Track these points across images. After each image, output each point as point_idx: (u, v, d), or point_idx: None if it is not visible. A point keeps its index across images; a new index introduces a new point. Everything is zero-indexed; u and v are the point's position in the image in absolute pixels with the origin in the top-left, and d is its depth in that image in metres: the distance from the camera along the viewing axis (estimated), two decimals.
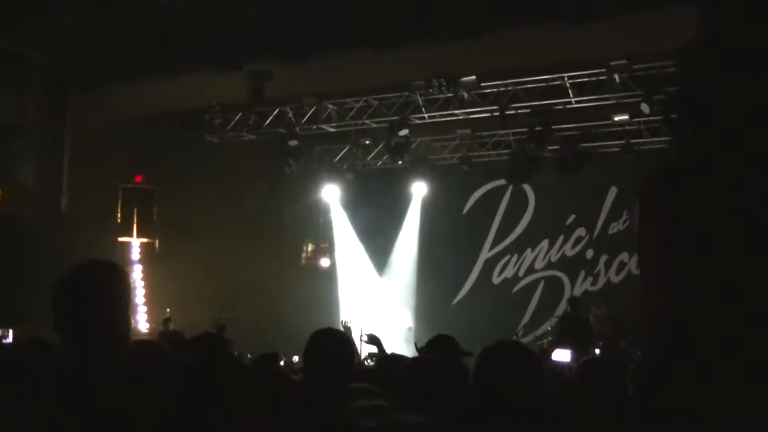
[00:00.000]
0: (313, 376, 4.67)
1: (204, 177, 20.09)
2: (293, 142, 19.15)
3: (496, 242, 21.02)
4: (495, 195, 20.97)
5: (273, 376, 6.09)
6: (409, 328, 20.55)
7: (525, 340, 17.24)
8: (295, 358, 14.85)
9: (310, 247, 23.37)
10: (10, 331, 15.20)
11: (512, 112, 17.18)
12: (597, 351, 15.88)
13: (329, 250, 22.64)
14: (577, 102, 16.72)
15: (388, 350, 8.06)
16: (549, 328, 17.68)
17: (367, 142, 20.31)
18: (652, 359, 4.23)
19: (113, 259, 3.43)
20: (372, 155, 20.84)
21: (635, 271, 18.95)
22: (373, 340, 7.79)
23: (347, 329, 12.11)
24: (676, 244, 2.35)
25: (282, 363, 12.15)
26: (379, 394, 4.27)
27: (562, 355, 10.35)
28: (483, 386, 3.75)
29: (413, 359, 5.68)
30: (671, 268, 2.35)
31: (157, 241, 20.51)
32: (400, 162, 19.68)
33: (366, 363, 11.65)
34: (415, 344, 7.17)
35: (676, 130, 14.20)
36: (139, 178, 20.38)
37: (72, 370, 3.24)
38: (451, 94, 17.12)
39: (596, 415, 5.37)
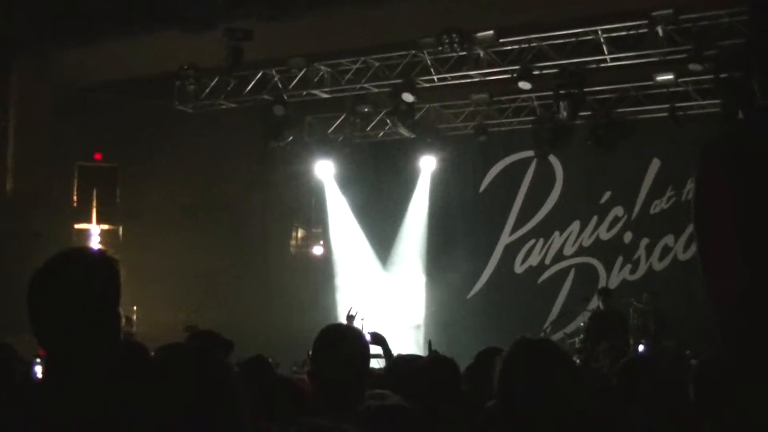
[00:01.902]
0: (323, 384, 4.64)
1: (175, 153, 20.20)
2: (280, 111, 19.15)
3: (518, 225, 21.07)
4: (517, 169, 20.99)
5: (271, 384, 6.15)
6: (418, 326, 20.55)
7: (553, 338, 17.29)
8: (294, 368, 14.95)
9: (300, 233, 23.46)
10: None
11: (537, 72, 17.18)
12: (641, 348, 16.02)
13: (323, 236, 22.70)
14: (613, 60, 16.71)
15: (395, 351, 8.10)
16: (582, 324, 17.72)
17: (367, 110, 20.28)
18: (719, 359, 4.30)
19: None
20: (372, 125, 20.92)
21: (682, 257, 19.05)
22: (377, 339, 7.81)
23: (351, 319, 12.12)
24: (750, 221, 2.28)
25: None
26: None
27: None
28: (508, 396, 3.71)
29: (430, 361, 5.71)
30: (742, 251, 2.28)
31: (120, 229, 20.60)
32: (405, 132, 19.70)
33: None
34: (429, 342, 7.25)
35: (735, 90, 14.24)
36: (98, 156, 20.43)
37: (52, 378, 3.26)
38: (464, 53, 17.11)
39: (646, 425, 5.39)
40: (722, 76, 15.34)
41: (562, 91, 17.52)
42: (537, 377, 3.64)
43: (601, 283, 19.37)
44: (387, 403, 3.49)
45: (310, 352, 4.63)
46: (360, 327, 13.13)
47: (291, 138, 20.63)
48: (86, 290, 3.20)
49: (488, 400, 4.70)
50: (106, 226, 20.38)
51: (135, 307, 17.82)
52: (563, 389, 3.63)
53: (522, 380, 3.65)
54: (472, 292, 21.22)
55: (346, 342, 4.74)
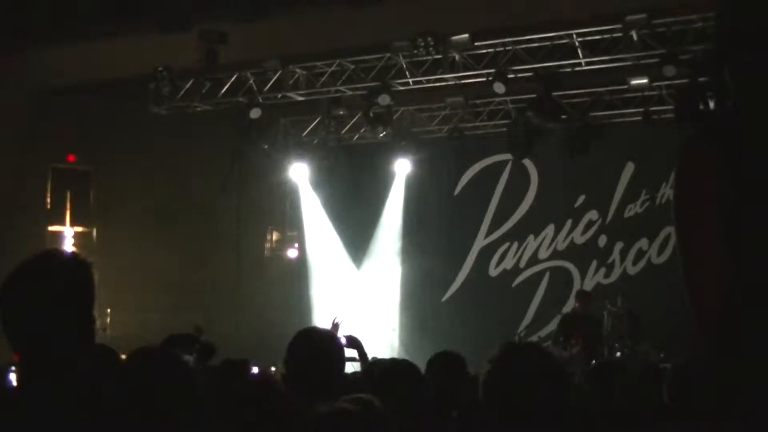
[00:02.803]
0: (296, 388, 4.67)
1: (149, 155, 20.20)
2: (255, 113, 19.11)
3: (492, 228, 21.05)
4: (491, 173, 21.00)
5: (247, 386, 6.15)
6: (393, 329, 20.55)
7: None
8: (272, 369, 14.95)
9: (274, 236, 23.40)
10: None
11: (512, 76, 17.23)
12: (618, 354, 16.09)
13: (297, 239, 22.65)
14: (587, 64, 16.78)
15: (370, 354, 8.23)
16: (556, 328, 17.75)
17: (342, 113, 20.35)
18: (700, 366, 4.32)
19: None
20: (347, 128, 20.90)
21: (656, 261, 19.16)
22: (352, 342, 7.85)
23: (336, 327, 12.13)
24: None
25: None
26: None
27: None
28: (494, 401, 3.69)
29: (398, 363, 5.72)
30: (730, 254, 2.23)
31: (94, 231, 20.55)
32: (380, 135, 19.70)
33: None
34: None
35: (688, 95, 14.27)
36: (71, 158, 20.35)
37: (27, 384, 3.26)
38: (439, 56, 17.14)
39: (617, 427, 5.42)
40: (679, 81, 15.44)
41: (537, 95, 17.64)
42: (527, 382, 3.62)
43: (576, 287, 19.40)
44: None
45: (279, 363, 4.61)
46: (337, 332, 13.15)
47: (266, 140, 20.64)
48: (60, 294, 3.20)
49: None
50: (80, 229, 20.32)
51: (109, 310, 17.81)
52: (553, 394, 3.62)
53: (511, 384, 3.64)
54: (447, 295, 21.18)
55: (320, 345, 4.80)
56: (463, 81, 17.89)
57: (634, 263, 19.56)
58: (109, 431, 3.10)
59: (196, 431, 3.11)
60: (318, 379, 4.63)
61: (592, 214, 20.05)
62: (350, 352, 8.91)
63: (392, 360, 6.82)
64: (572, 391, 3.78)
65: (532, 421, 3.54)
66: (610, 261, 19.83)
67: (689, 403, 4.29)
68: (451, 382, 6.28)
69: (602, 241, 19.98)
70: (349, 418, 3.21)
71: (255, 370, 14.41)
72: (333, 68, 18.44)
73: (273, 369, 14.49)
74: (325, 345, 4.83)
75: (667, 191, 18.95)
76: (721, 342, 2.30)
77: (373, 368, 6.77)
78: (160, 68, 18.61)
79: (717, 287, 2.31)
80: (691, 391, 4.29)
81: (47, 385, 3.15)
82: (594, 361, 13.90)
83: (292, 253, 22.75)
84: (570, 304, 17.87)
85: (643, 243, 19.40)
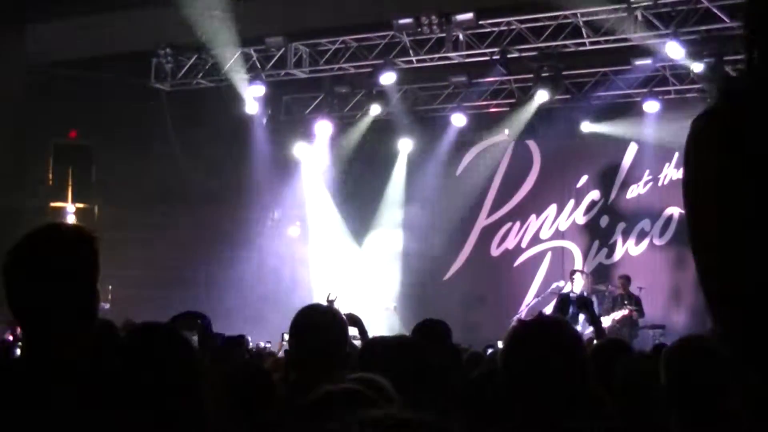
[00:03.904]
0: (301, 366, 4.66)
1: (151, 132, 20.09)
2: (258, 90, 19.12)
3: (495, 208, 21.10)
4: (494, 152, 21.00)
5: (245, 364, 6.17)
6: (394, 308, 20.53)
7: None
8: (263, 344, 14.99)
9: (276, 214, 23.31)
10: None
11: (515, 55, 17.21)
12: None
13: (299, 217, 22.61)
14: (591, 44, 16.75)
15: (370, 333, 8.04)
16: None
17: (345, 91, 20.29)
18: (704, 340, 4.27)
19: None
20: (350, 105, 20.86)
21: (658, 242, 19.15)
22: (352, 320, 7.84)
23: (331, 303, 12.17)
24: (757, 202, 2.11)
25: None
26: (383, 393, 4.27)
27: None
28: (514, 377, 3.60)
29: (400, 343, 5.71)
30: (747, 235, 2.12)
31: (96, 207, 20.46)
32: (383, 113, 19.65)
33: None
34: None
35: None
36: (73, 134, 20.29)
37: (31, 356, 3.26)
38: (443, 35, 17.12)
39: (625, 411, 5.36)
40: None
41: (541, 75, 17.62)
42: (544, 355, 3.54)
43: (578, 267, 19.34)
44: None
45: (285, 334, 4.57)
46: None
47: (269, 117, 20.64)
48: (66, 266, 3.18)
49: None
50: (81, 205, 20.27)
51: (110, 287, 17.80)
52: (570, 367, 3.55)
53: (528, 356, 3.56)
54: (449, 275, 21.24)
55: (324, 323, 4.74)
56: (467, 60, 17.84)
57: (636, 243, 19.55)
58: (110, 406, 3.06)
59: (197, 408, 3.06)
60: (322, 355, 4.58)
61: (594, 194, 20.07)
62: (351, 331, 8.96)
63: (394, 337, 6.82)
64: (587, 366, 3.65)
65: (552, 397, 3.50)
66: (612, 241, 19.84)
67: (683, 385, 4.16)
68: (434, 349, 6.26)
69: (604, 221, 20.01)
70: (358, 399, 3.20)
71: (265, 344, 14.60)
72: (336, 46, 18.42)
73: (269, 345, 14.58)
74: (328, 321, 4.75)
75: (670, 172, 18.95)
76: (731, 321, 2.17)
77: (374, 345, 6.82)
78: (163, 44, 18.59)
79: (733, 270, 2.13)
80: (685, 373, 4.17)
81: (48, 359, 3.13)
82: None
83: (294, 230, 22.70)
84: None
85: (645, 224, 19.42)
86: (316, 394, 3.19)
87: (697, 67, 16.28)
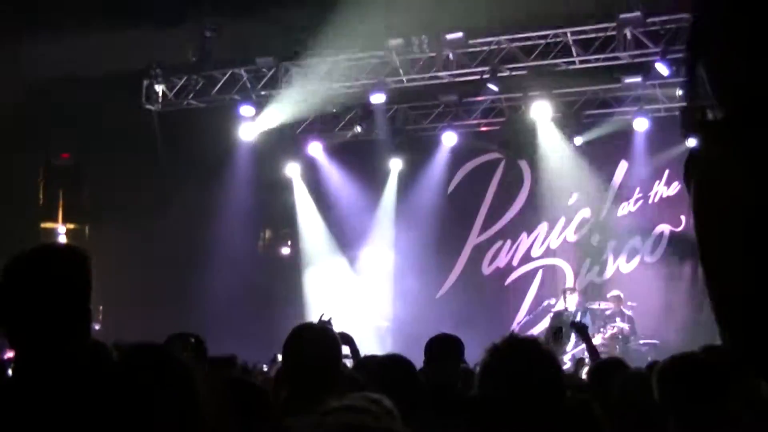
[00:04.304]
0: (294, 385, 4.68)
1: (142, 152, 20.02)
2: (249, 111, 19.14)
3: (486, 226, 21.06)
4: (485, 171, 20.99)
5: (238, 383, 6.13)
6: (386, 327, 20.57)
7: None
8: (253, 365, 14.91)
9: (267, 234, 23.38)
10: None
11: (506, 74, 17.24)
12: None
13: (291, 237, 22.62)
14: (581, 62, 16.79)
15: (362, 352, 8.27)
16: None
17: (335, 110, 20.30)
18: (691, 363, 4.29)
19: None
20: (341, 125, 20.86)
21: (649, 259, 19.15)
22: (344, 339, 7.85)
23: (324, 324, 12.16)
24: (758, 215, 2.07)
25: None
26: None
27: None
28: (489, 393, 3.68)
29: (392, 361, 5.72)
30: (751, 250, 2.08)
31: (87, 228, 20.45)
32: (374, 133, 19.66)
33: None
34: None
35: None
36: (65, 155, 20.26)
37: (24, 376, 3.24)
38: (434, 54, 17.14)
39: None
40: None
41: (531, 93, 17.67)
42: (521, 372, 3.61)
43: (569, 285, 19.39)
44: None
45: (279, 354, 4.54)
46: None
47: (259, 137, 20.50)
48: (59, 286, 3.17)
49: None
50: (72, 225, 20.25)
51: (101, 307, 17.74)
52: (547, 385, 3.62)
53: (508, 377, 3.62)
54: (441, 293, 21.16)
55: (317, 341, 4.77)
56: (457, 79, 17.88)
57: (628, 261, 19.54)
58: (104, 427, 2.99)
59: (196, 427, 3.03)
60: (315, 374, 4.61)
61: (585, 212, 20.03)
62: (343, 350, 8.96)
63: (387, 356, 6.82)
64: (566, 381, 3.76)
65: (529, 411, 3.55)
66: (603, 259, 19.81)
67: (676, 398, 4.29)
68: (449, 365, 6.40)
69: (595, 239, 19.96)
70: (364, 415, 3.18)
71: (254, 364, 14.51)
72: (327, 66, 18.40)
73: (265, 367, 14.50)
74: (322, 341, 4.80)
75: (660, 189, 18.98)
76: (746, 347, 2.16)
77: (367, 363, 6.79)
78: (153, 65, 18.61)
79: (741, 291, 2.09)
80: (678, 387, 4.29)
81: (41, 379, 3.12)
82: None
83: (285, 250, 22.71)
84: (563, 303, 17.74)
85: (636, 241, 19.41)
86: (323, 408, 3.14)
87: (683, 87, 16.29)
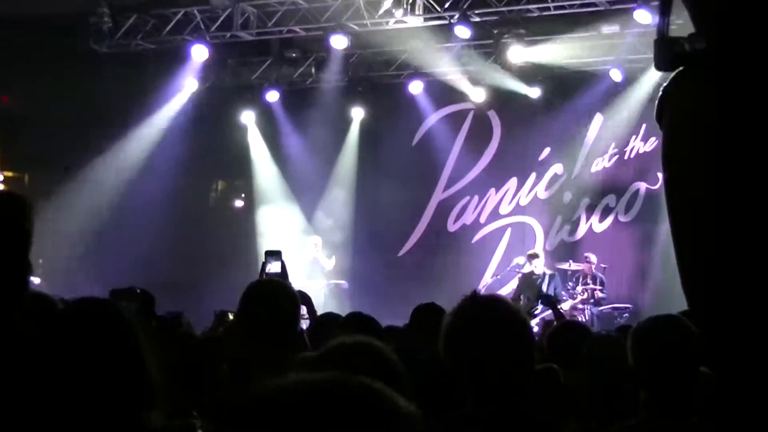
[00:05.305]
0: (253, 344, 4.63)
1: (88, 97, 19.71)
2: (202, 53, 18.99)
3: (452, 181, 21.11)
4: (452, 122, 20.98)
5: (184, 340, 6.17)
6: (344, 285, 20.48)
7: None
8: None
9: (220, 186, 23.29)
10: None
11: (476, 19, 17.17)
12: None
13: (245, 189, 22.54)
14: (556, 8, 16.75)
15: (319, 311, 8.31)
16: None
17: (294, 55, 20.23)
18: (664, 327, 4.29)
19: None
20: (300, 71, 20.72)
21: (624, 218, 19.23)
22: (302, 299, 7.85)
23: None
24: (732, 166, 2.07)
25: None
26: None
27: None
28: (458, 359, 3.59)
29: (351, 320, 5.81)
30: (724, 204, 2.09)
31: (26, 177, 20.27)
32: (335, 80, 19.59)
33: None
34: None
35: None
36: (5, 99, 20.04)
37: None
38: None
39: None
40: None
41: (502, 40, 17.61)
42: (488, 335, 3.52)
43: (539, 244, 19.59)
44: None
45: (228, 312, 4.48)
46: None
47: (213, 83, 20.57)
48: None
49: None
50: (10, 174, 20.07)
51: (41, 260, 17.58)
52: (519, 353, 3.57)
53: (475, 341, 3.53)
54: (403, 251, 21.26)
55: (277, 298, 4.73)
56: (424, 24, 17.79)
57: (601, 220, 19.61)
58: (44, 379, 3.02)
59: (140, 380, 3.05)
60: (276, 333, 4.60)
61: (557, 168, 20.08)
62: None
63: (350, 315, 6.86)
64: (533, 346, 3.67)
65: (497, 381, 3.50)
66: (575, 217, 19.93)
67: (651, 365, 4.24)
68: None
69: (567, 196, 20.06)
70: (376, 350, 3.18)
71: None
72: (286, 7, 18.23)
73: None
74: (283, 297, 4.76)
75: (636, 144, 19.03)
76: (711, 306, 2.19)
77: (324, 322, 6.86)
78: (101, 3, 18.35)
79: (710, 248, 2.13)
80: (652, 353, 4.23)
81: None
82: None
83: (239, 203, 22.70)
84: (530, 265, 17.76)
85: (610, 199, 19.48)
86: (328, 346, 3.15)
87: None
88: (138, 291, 6.89)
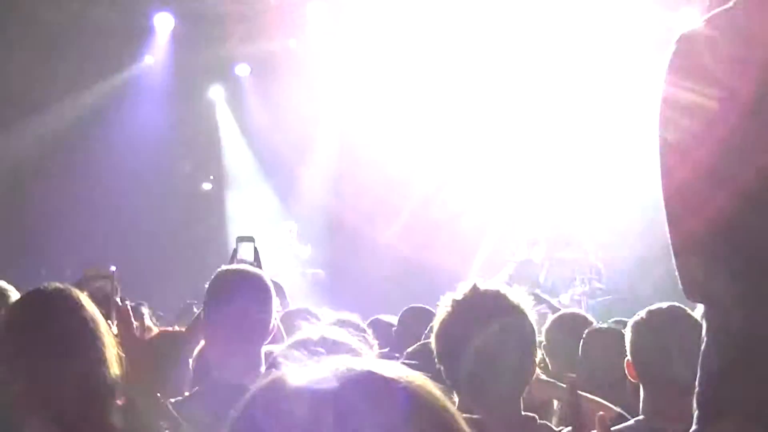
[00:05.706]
0: (220, 337, 4.51)
1: (39, 68, 19.39)
2: (166, 22, 19.03)
3: None
4: None
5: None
6: (321, 274, 20.43)
7: None
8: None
9: (187, 167, 22.92)
10: None
11: None
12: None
13: (213, 170, 22.53)
14: None
15: (293, 303, 8.17)
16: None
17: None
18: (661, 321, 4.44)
19: None
20: (273, 40, 20.31)
21: None
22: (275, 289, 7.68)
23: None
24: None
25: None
26: None
27: None
28: (458, 359, 3.59)
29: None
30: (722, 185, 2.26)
31: None
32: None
33: None
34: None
35: None
36: None
37: None
38: None
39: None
40: None
41: None
42: (496, 333, 3.57)
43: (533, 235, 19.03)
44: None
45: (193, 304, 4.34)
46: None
47: (179, 55, 20.19)
48: None
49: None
50: None
51: None
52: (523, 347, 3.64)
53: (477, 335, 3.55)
54: (385, 237, 20.68)
55: (247, 289, 4.63)
56: None
57: None
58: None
59: (92, 377, 3.21)
60: (244, 323, 4.48)
61: None
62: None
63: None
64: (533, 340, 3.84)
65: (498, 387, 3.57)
66: None
67: (647, 357, 4.45)
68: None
69: None
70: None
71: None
72: None
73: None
74: (253, 288, 4.63)
75: None
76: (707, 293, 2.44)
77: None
78: None
79: (704, 231, 2.38)
80: (649, 345, 4.46)
81: None
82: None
83: (206, 185, 22.85)
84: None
85: None
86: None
87: None
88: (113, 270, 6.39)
